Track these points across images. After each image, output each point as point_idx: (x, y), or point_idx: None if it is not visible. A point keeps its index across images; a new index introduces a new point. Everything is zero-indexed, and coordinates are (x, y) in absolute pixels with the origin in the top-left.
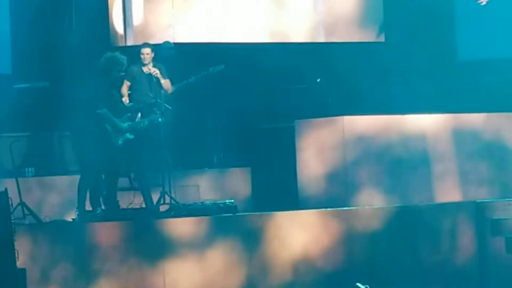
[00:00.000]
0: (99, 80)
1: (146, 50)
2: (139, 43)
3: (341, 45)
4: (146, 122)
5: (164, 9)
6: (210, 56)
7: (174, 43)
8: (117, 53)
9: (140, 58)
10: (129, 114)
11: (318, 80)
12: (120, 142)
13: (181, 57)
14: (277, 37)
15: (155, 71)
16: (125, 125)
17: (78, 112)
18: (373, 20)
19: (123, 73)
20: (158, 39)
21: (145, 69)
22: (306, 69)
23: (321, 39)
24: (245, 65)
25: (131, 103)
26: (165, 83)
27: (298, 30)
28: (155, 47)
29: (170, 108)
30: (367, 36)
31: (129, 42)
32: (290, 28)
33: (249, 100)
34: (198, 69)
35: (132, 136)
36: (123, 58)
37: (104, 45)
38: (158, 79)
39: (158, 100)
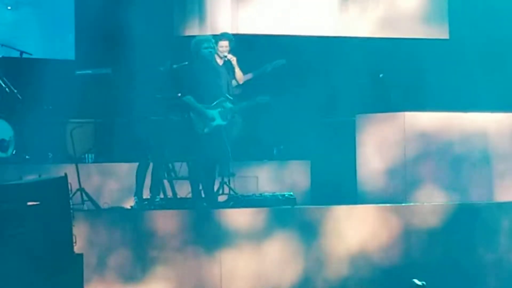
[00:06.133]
0: (187, 65)
1: (226, 43)
2: (202, 33)
3: (404, 41)
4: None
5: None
6: (272, 48)
7: (237, 34)
8: (207, 35)
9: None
10: (222, 98)
11: (381, 75)
12: (206, 130)
13: (241, 49)
14: (340, 31)
15: (233, 58)
16: (215, 111)
17: (139, 99)
18: (437, 16)
19: (212, 50)
20: (220, 30)
21: (218, 60)
22: (369, 64)
23: (385, 34)
24: (307, 59)
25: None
26: (238, 72)
27: (362, 25)
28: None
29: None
30: (431, 32)
31: (192, 32)
32: (353, 23)
33: (311, 93)
34: (259, 62)
35: (225, 122)
36: (212, 38)
37: (167, 34)
38: (233, 68)
39: (227, 94)
